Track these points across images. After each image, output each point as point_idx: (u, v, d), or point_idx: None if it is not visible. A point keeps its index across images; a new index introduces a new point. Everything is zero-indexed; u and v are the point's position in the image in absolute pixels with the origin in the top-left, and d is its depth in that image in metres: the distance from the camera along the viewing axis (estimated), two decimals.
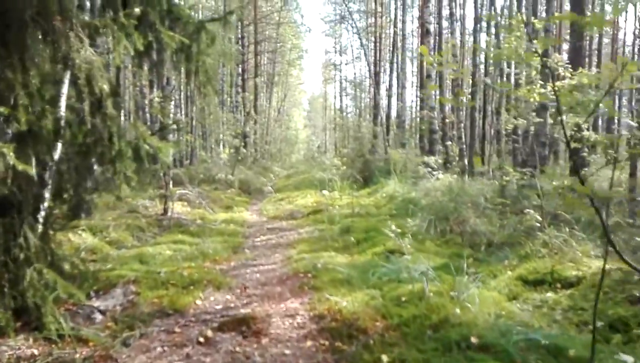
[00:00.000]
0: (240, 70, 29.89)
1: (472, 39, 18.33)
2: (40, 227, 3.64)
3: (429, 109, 16.90)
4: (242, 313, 4.28)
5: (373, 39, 30.73)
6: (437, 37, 18.85)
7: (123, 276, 5.17)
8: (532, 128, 11.06)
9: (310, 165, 28.39)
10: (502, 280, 4.96)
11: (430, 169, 14.00)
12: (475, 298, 3.95)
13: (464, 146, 12.52)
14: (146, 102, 16.68)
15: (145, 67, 4.35)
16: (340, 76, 46.34)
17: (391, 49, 27.50)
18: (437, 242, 7.09)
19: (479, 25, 14.28)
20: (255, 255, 6.99)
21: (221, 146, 22.47)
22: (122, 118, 18.78)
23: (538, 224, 5.79)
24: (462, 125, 12.77)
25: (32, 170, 3.11)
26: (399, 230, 4.64)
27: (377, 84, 26.78)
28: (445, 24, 22.38)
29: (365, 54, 24.52)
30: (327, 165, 15.04)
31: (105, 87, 3.29)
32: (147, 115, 16.28)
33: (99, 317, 4.05)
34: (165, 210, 9.49)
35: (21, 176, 3.76)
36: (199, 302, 4.71)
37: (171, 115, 12.79)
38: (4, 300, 3.27)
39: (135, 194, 11.98)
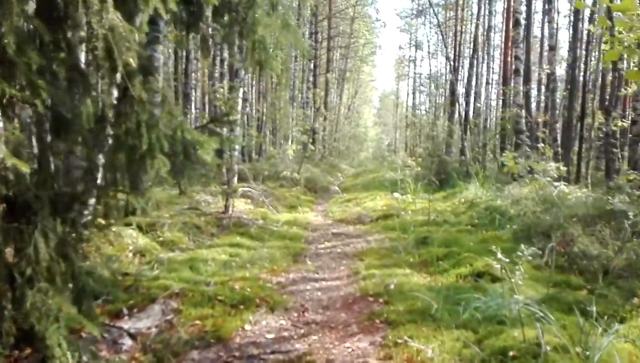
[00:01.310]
0: (312, 66, 29.39)
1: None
2: (59, 233, 2.97)
3: (515, 107, 15.33)
4: (296, 350, 3.45)
5: (452, 33, 29.07)
6: (527, 30, 17.12)
7: (166, 287, 4.51)
8: None
9: (380, 164, 27.32)
10: (636, 326, 3.76)
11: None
12: (616, 359, 2.84)
13: (559, 149, 10.99)
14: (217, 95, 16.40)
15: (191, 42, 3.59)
16: (415, 72, 44.72)
17: (472, 43, 25.74)
18: (536, 264, 5.89)
19: (580, 15, 12.59)
20: (317, 266, 6.15)
21: (290, 142, 21.94)
22: (193, 111, 18.69)
23: None
24: (557, 125, 11.22)
25: (27, 167, 2.42)
26: (505, 259, 3.55)
27: (455, 80, 25.14)
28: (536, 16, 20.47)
29: (445, 46, 22.94)
30: (398, 165, 13.96)
31: (132, 61, 2.55)
32: (216, 109, 16.01)
33: (127, 342, 3.38)
34: (226, 208, 8.91)
35: (39, 172, 3.14)
36: (247, 327, 3.94)
37: (239, 109, 12.27)
38: (4, 324, 2.63)
39: (198, 189, 11.64)
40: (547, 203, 9.06)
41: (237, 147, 12.11)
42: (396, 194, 11.20)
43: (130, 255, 5.49)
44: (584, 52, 10.88)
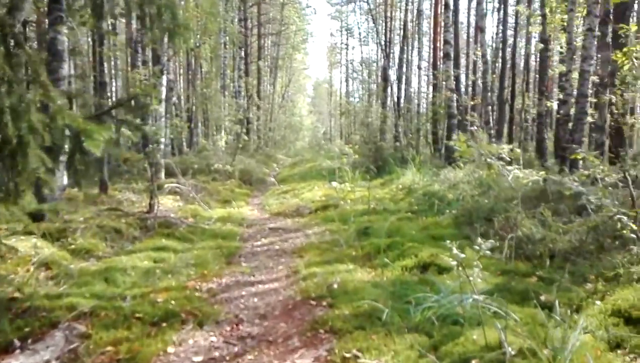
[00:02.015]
0: (242, 53, 28.43)
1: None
2: None
3: (447, 91, 15.42)
4: None
5: (383, 19, 29.11)
6: (455, 14, 17.27)
7: (73, 307, 3.82)
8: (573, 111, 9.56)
9: (317, 152, 26.98)
10: (592, 315, 3.56)
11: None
12: (588, 359, 2.56)
13: (492, 131, 11.08)
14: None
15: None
16: (347, 60, 44.73)
17: (402, 29, 25.90)
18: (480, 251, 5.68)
19: None
20: (253, 267, 5.62)
21: (223, 133, 21.01)
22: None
23: (633, 234, 4.36)
24: (489, 108, 11.29)
25: None
26: (461, 254, 3.20)
27: (387, 66, 25.16)
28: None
29: (377, 32, 22.83)
30: (335, 153, 13.62)
31: None
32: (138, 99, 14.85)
33: None
34: (151, 207, 8.12)
35: None
36: (170, 349, 3.35)
37: (162, 97, 11.37)
38: None
39: (121, 187, 10.69)
40: (483, 186, 9.05)
41: (162, 139, 11.24)
42: (334, 183, 10.83)
43: (32, 269, 4.68)
44: (512, 32, 10.95)
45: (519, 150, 4.95)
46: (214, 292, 4.61)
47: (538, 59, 13.75)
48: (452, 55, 15.83)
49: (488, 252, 3.26)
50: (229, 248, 6.47)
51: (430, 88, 23.45)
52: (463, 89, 21.82)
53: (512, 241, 5.49)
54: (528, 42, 11.61)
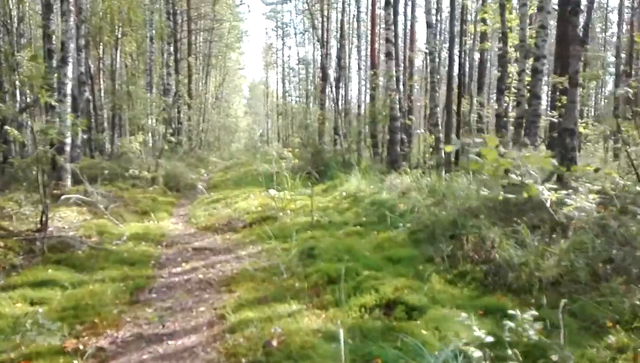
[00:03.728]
0: (172, 49, 26.47)
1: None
2: None
3: (389, 92, 14.65)
4: None
5: (319, 18, 28.22)
6: (394, 12, 16.62)
7: None
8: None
9: (253, 155, 25.56)
10: None
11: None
12: None
13: (441, 135, 10.33)
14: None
15: None
16: (283, 60, 43.58)
17: (339, 28, 25.10)
18: (448, 276, 4.71)
19: None
20: (166, 308, 4.29)
21: (149, 135, 19.05)
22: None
23: None
24: (437, 109, 10.54)
25: None
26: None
27: (324, 65, 24.25)
28: None
29: (314, 28, 21.83)
30: (273, 157, 12.42)
31: None
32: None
33: None
34: (43, 225, 6.51)
35: None
36: None
37: (67, 91, 9.62)
38: None
39: (17, 197, 8.86)
40: (436, 195, 8.20)
41: (68, 140, 9.49)
42: (272, 191, 9.62)
43: None
44: (458, 28, 10.30)
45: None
46: (102, 359, 3.26)
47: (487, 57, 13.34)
48: (393, 54, 15.13)
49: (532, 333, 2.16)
50: (137, 279, 5.08)
51: (368, 89, 22.74)
52: (402, 90, 21.36)
53: (489, 266, 4.56)
54: (484, 38, 11.06)
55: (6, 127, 6.80)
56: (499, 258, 4.56)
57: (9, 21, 14.12)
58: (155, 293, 4.74)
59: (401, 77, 18.09)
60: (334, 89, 21.44)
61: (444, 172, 10.03)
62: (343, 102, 22.48)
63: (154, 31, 22.74)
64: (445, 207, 6.90)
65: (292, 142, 18.65)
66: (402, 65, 19.49)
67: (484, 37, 15.61)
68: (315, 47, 33.37)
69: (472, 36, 13.98)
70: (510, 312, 2.34)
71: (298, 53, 46.20)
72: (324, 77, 24.15)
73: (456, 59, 10.22)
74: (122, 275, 5.18)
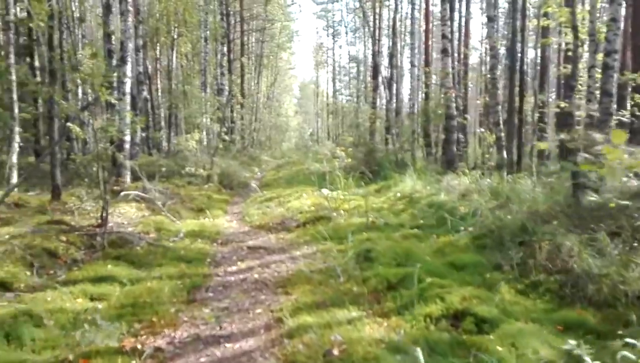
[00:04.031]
0: (225, 49, 26.95)
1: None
2: None
3: (445, 89, 14.19)
4: None
5: (371, 15, 27.86)
6: (451, 7, 16.10)
7: None
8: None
9: (304, 154, 25.58)
10: None
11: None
12: None
13: (502, 134, 9.82)
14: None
15: None
16: (334, 60, 43.48)
17: (391, 25, 24.64)
18: (519, 287, 4.37)
19: None
20: (222, 309, 4.21)
21: (204, 133, 19.41)
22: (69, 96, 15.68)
23: None
24: (499, 107, 10.01)
25: None
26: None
27: (377, 63, 23.91)
28: None
29: (368, 26, 21.54)
30: (325, 156, 12.26)
31: None
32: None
33: None
34: (103, 220, 6.64)
35: None
36: None
37: (126, 90, 9.87)
38: None
39: (80, 192, 9.17)
40: (500, 198, 7.78)
41: (127, 138, 9.74)
42: (325, 191, 9.49)
43: None
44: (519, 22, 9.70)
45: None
46: (160, 360, 3.19)
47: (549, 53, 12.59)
48: (449, 50, 14.65)
49: None
50: (194, 277, 5.05)
51: (422, 87, 22.13)
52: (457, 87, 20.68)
53: (566, 277, 4.18)
54: (545, 33, 10.39)
55: (68, 124, 6.99)
56: (577, 268, 4.18)
57: (71, 23, 14.72)
58: (212, 292, 4.68)
59: (456, 74, 17.54)
60: (386, 87, 21.06)
61: (505, 173, 9.53)
62: (395, 100, 22.04)
63: (208, 32, 23.16)
64: (510, 211, 6.50)
65: (344, 141, 18.40)
66: (457, 62, 18.93)
67: (545, 32, 14.84)
68: (366, 46, 33.09)
69: (538, 30, 13.26)
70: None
71: (349, 52, 45.89)
72: (375, 75, 23.82)
73: (517, 53, 9.65)
74: (179, 273, 5.17)
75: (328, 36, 43.66)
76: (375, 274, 4.75)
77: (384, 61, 25.83)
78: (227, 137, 17.28)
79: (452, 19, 16.60)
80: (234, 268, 5.62)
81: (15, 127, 9.10)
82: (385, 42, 29.25)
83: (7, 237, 5.43)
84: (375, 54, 22.76)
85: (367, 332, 3.46)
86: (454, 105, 13.91)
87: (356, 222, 7.45)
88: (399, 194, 10.17)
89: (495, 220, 6.29)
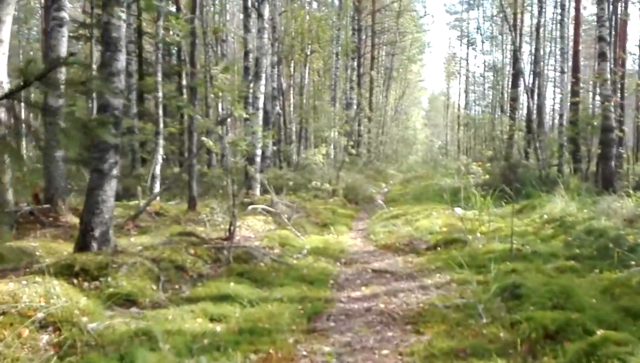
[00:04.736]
0: (355, 64, 27.10)
1: None
2: None
3: (602, 98, 12.36)
4: None
5: (512, 21, 25.87)
6: (613, 6, 14.14)
7: None
8: None
9: (432, 168, 24.50)
10: None
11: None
12: None
13: None
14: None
15: None
16: (467, 69, 41.43)
17: (535, 28, 22.52)
18: None
19: None
20: (343, 346, 3.73)
21: (332, 147, 19.52)
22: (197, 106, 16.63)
23: None
24: None
25: None
26: None
27: (516, 74, 22.02)
28: None
29: (510, 31, 19.96)
30: (458, 171, 11.32)
31: None
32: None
33: None
34: (230, 234, 6.65)
35: None
36: None
37: (260, 105, 10.07)
38: None
39: (204, 204, 9.52)
40: None
41: (258, 151, 9.90)
42: (458, 209, 8.65)
43: (27, 332, 3.28)
44: None
45: None
46: None
47: None
48: (607, 54, 12.77)
49: None
50: (315, 302, 4.67)
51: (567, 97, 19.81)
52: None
53: None
54: None
55: (203, 138, 7.19)
56: None
57: (213, 41, 15.73)
58: (333, 322, 4.25)
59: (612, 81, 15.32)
60: (528, 96, 19.23)
61: None
62: (537, 111, 20.03)
63: (340, 47, 23.33)
64: None
65: (482, 155, 17.09)
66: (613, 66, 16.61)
67: None
68: (504, 54, 30.89)
69: None
70: None
71: (485, 61, 43.41)
72: (516, 84, 21.99)
73: None
74: (300, 295, 4.85)
75: (461, 46, 41.82)
76: (528, 318, 3.90)
77: (526, 69, 23.76)
78: (353, 151, 17.08)
79: (610, 19, 14.63)
80: (357, 293, 5.15)
81: (160, 140, 9.78)
82: (526, 49, 27.08)
83: (139, 248, 5.60)
84: (517, 61, 20.97)
85: None
86: (612, 115, 12.05)
87: (497, 248, 6.54)
88: (545, 216, 8.93)
89: None
